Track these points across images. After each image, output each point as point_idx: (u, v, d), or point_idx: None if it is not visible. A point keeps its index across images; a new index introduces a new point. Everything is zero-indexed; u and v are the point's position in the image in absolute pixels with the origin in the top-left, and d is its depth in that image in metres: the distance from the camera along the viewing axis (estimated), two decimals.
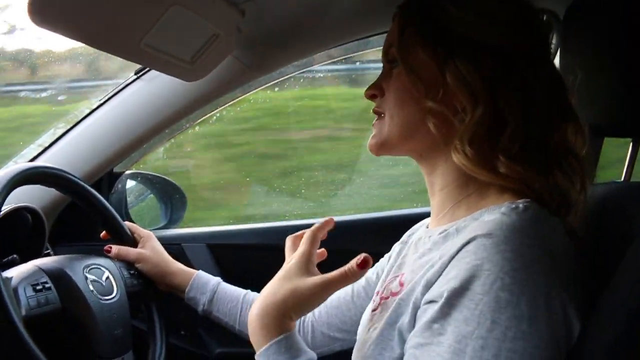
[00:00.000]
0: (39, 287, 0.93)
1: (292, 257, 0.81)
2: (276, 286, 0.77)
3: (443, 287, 0.66)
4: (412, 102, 0.79)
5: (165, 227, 1.60)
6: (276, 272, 0.81)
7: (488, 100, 0.73)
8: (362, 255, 0.72)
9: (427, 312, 0.67)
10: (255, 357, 0.75)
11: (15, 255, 1.09)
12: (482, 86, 0.73)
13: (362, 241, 1.46)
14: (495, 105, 0.74)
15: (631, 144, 1.00)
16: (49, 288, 0.96)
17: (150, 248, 1.22)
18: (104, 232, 1.22)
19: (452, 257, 0.68)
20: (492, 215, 0.71)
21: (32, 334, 0.85)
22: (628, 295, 0.62)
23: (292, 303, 0.75)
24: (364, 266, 0.72)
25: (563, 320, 0.64)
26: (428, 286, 0.69)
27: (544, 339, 0.63)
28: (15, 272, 0.95)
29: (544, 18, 0.82)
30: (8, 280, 0.91)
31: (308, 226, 0.85)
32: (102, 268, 1.09)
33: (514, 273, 0.63)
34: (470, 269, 0.65)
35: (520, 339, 0.62)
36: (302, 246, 0.81)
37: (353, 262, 0.73)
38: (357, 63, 2.26)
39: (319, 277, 0.76)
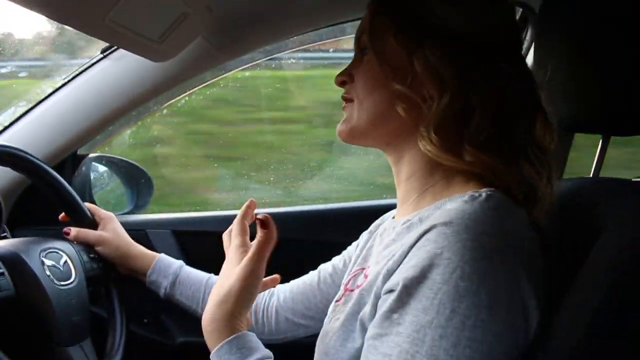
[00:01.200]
0: None
1: (228, 253, 0.85)
2: (220, 287, 0.80)
3: (402, 275, 0.66)
4: (381, 88, 0.79)
5: (131, 212, 1.57)
6: None
7: (455, 88, 0.73)
8: (259, 216, 0.79)
9: (386, 302, 0.67)
10: (210, 358, 0.77)
11: None
12: (450, 74, 0.73)
13: (332, 231, 1.46)
14: (463, 94, 0.74)
15: (601, 140, 1.00)
16: (2, 274, 0.92)
17: (111, 230, 1.19)
18: (62, 213, 1.18)
19: (412, 246, 0.67)
20: (454, 204, 0.71)
21: None
22: (592, 293, 0.63)
23: (234, 298, 0.78)
24: (264, 226, 0.78)
25: (522, 310, 0.64)
26: (388, 275, 0.69)
27: (503, 328, 0.63)
28: None
29: (519, 11, 0.82)
30: None
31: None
32: (60, 252, 1.05)
33: (473, 262, 0.62)
34: (429, 257, 0.64)
35: (479, 328, 0.61)
36: (234, 240, 0.85)
37: (259, 230, 0.79)
38: (331, 50, 2.24)
39: (245, 259, 0.80)
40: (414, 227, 0.75)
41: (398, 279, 0.66)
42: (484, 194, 0.71)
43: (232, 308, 0.78)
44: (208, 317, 0.79)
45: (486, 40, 0.75)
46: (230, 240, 0.88)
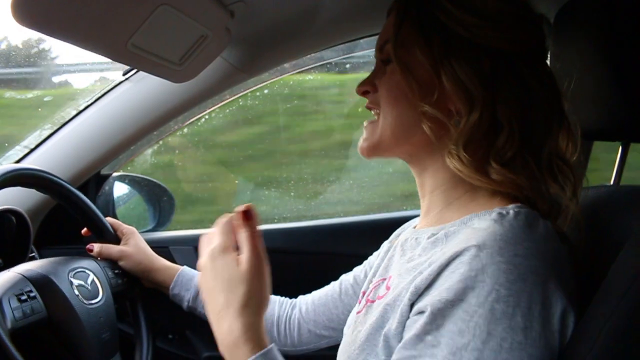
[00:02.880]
0: (23, 297, 0.92)
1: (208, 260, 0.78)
2: (226, 298, 0.74)
3: (435, 298, 0.65)
4: (406, 103, 0.77)
5: (153, 229, 1.59)
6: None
7: (485, 104, 0.72)
8: (241, 206, 0.77)
9: (418, 323, 0.66)
10: None
11: None
12: (480, 89, 0.72)
13: (353, 243, 1.46)
14: (492, 110, 0.73)
15: (620, 147, 1.00)
16: (34, 297, 0.94)
17: (133, 245, 1.21)
18: (85, 228, 1.20)
19: (444, 267, 0.67)
20: (482, 222, 0.71)
21: (19, 345, 0.84)
22: (616, 302, 0.62)
23: (253, 307, 0.73)
24: (247, 218, 0.76)
25: (559, 328, 0.64)
26: (417, 293, 0.68)
27: (539, 348, 0.62)
28: None
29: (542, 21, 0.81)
30: None
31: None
32: (87, 271, 1.07)
33: (509, 285, 0.62)
34: (464, 280, 0.64)
35: (515, 350, 0.61)
36: (217, 239, 0.78)
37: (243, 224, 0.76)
38: None
39: (246, 261, 0.74)
40: (440, 242, 0.74)
41: (430, 301, 0.65)
42: (511, 212, 0.70)
43: (251, 318, 0.72)
44: (225, 331, 0.72)
45: (512, 52, 0.74)
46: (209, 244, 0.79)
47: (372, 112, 0.84)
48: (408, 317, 0.69)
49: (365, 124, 0.85)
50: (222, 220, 0.79)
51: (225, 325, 0.72)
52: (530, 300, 0.63)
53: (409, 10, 0.79)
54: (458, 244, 0.68)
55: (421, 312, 0.66)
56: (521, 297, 0.62)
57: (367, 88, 0.84)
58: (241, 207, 0.77)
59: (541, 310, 0.63)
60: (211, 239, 0.79)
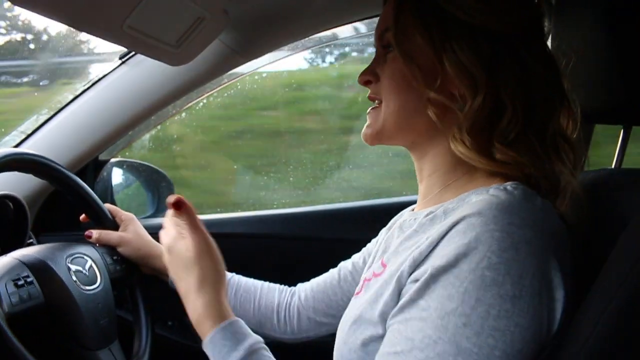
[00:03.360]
0: (20, 282, 0.91)
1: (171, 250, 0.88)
2: (184, 278, 0.86)
3: (430, 265, 0.66)
4: (409, 90, 0.77)
5: (152, 215, 1.58)
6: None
7: (487, 86, 0.72)
8: (171, 199, 0.87)
9: (413, 289, 0.67)
10: (203, 347, 0.82)
11: None
12: (482, 73, 0.72)
13: (351, 229, 1.46)
14: (495, 92, 0.73)
15: (622, 130, 0.99)
16: (31, 282, 0.93)
17: (132, 231, 1.20)
18: (83, 215, 1.19)
19: (442, 237, 0.68)
20: (480, 196, 0.71)
21: (15, 330, 0.83)
22: (617, 286, 0.62)
23: (208, 282, 0.84)
24: (177, 207, 0.86)
25: (548, 302, 0.65)
26: (414, 265, 0.69)
27: (527, 318, 0.63)
28: None
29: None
30: None
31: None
32: (85, 257, 1.07)
33: (500, 252, 0.63)
34: (457, 247, 0.65)
35: (503, 317, 0.62)
36: (169, 231, 0.90)
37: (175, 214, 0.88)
38: None
39: (188, 239, 0.86)
40: (438, 219, 0.75)
41: (426, 268, 0.67)
42: (509, 187, 0.71)
43: (209, 296, 0.83)
44: (191, 311, 0.83)
45: (511, 33, 0.74)
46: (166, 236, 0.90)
47: (375, 102, 0.84)
48: (404, 287, 0.70)
49: (368, 110, 0.85)
50: (170, 213, 0.90)
51: (190, 306, 0.83)
52: (521, 270, 0.63)
53: None
54: (455, 216, 0.68)
55: (416, 280, 0.68)
56: (512, 266, 0.63)
57: (369, 77, 0.84)
58: (170, 199, 0.87)
59: (532, 281, 0.63)
60: (167, 232, 0.89)
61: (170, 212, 0.90)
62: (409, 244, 0.76)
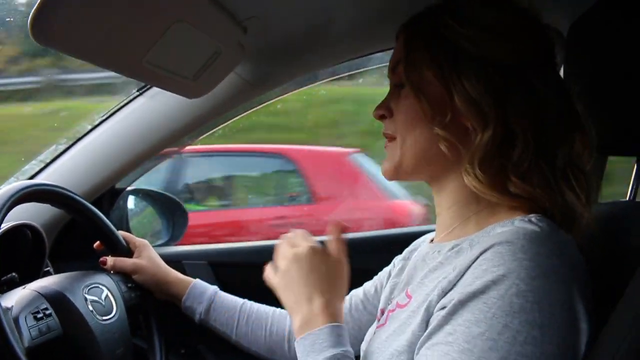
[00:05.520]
0: (39, 315, 0.92)
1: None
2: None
3: (457, 292, 0.67)
4: (422, 126, 0.78)
5: (166, 243, 1.59)
6: None
7: (498, 119, 0.73)
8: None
9: (440, 315, 0.67)
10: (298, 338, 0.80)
11: (14, 274, 1.08)
12: (491, 105, 0.73)
13: (362, 259, 1.45)
14: (505, 123, 0.73)
15: (635, 162, 0.99)
16: (50, 315, 0.94)
17: (147, 258, 1.21)
18: (97, 242, 1.21)
19: (469, 265, 0.68)
20: (505, 228, 0.72)
21: None
22: (635, 321, 0.62)
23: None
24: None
25: (573, 331, 0.65)
26: (442, 294, 0.69)
27: (553, 346, 0.63)
28: (14, 301, 0.93)
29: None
30: (8, 310, 0.90)
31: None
32: (101, 286, 1.08)
33: (530, 280, 0.63)
34: (486, 275, 0.65)
35: (530, 344, 0.62)
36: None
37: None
38: None
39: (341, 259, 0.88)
40: (464, 251, 0.75)
41: (453, 295, 0.67)
42: (533, 219, 0.71)
43: (341, 303, 0.84)
44: (304, 309, 0.81)
45: (522, 64, 0.75)
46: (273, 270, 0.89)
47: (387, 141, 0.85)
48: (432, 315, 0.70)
49: (385, 145, 0.86)
50: (298, 231, 0.90)
51: (305, 306, 0.81)
52: (550, 298, 0.63)
53: (416, 32, 0.80)
54: (482, 245, 0.69)
55: (444, 307, 0.68)
56: (541, 294, 0.63)
57: (383, 112, 0.85)
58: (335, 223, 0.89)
59: (560, 310, 0.64)
60: (292, 243, 0.88)
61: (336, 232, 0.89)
62: (435, 275, 0.76)
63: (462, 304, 0.66)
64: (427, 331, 0.69)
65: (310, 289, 0.81)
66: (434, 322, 0.68)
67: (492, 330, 0.63)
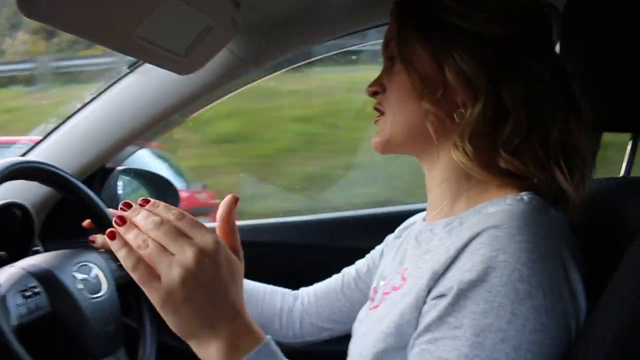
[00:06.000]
0: (28, 294, 0.91)
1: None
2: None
3: (457, 280, 0.65)
4: (413, 101, 0.78)
5: None
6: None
7: (488, 94, 0.73)
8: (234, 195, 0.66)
9: (440, 305, 0.66)
10: None
11: (3, 252, 1.07)
12: (482, 80, 0.73)
13: (355, 237, 1.46)
14: (497, 99, 0.73)
15: (631, 139, 0.99)
16: (38, 293, 0.94)
17: None
18: (87, 220, 1.20)
19: (462, 249, 0.67)
20: (496, 207, 0.71)
21: (23, 341, 0.84)
22: (630, 294, 0.61)
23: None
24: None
25: (575, 312, 0.65)
26: (434, 277, 0.68)
27: (560, 330, 0.63)
28: (2, 279, 0.92)
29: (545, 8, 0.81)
30: None
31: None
32: (91, 264, 1.07)
33: (530, 264, 0.63)
34: (485, 261, 0.64)
35: (539, 331, 0.62)
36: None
37: None
38: None
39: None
40: (455, 230, 0.74)
41: (452, 283, 0.65)
42: (525, 197, 0.71)
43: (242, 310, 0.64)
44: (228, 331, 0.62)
45: (515, 40, 0.75)
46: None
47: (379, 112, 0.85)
48: (424, 302, 0.69)
49: (375, 119, 0.85)
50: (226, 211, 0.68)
51: (239, 321, 0.63)
52: (552, 280, 0.63)
53: (409, 8, 0.80)
54: (474, 226, 0.68)
55: (442, 296, 0.66)
56: (543, 277, 0.63)
57: (376, 88, 0.85)
58: (233, 195, 0.68)
59: (562, 292, 0.64)
60: (180, 231, 0.62)
61: (227, 211, 0.68)
62: (428, 257, 0.75)
63: (463, 293, 0.64)
64: (425, 323, 0.66)
65: (228, 301, 0.62)
66: (432, 312, 0.66)
67: (500, 320, 0.62)
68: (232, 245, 0.66)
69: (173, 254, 0.60)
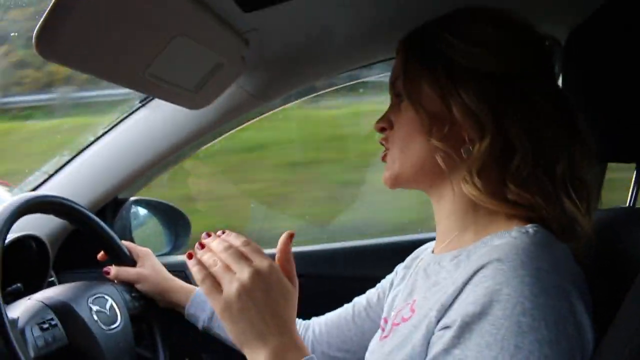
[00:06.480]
0: (45, 326, 0.93)
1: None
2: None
3: (461, 312, 0.66)
4: (420, 138, 0.80)
5: (169, 252, 1.60)
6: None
7: (495, 129, 0.74)
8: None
9: (445, 337, 0.66)
10: None
11: (19, 284, 1.09)
12: (489, 116, 0.74)
13: (365, 267, 1.46)
14: (503, 133, 0.74)
15: (635, 169, 0.99)
16: (55, 325, 0.95)
17: (150, 267, 1.22)
18: (101, 252, 1.22)
19: (467, 282, 0.68)
20: (502, 239, 0.72)
21: None
22: (638, 327, 0.62)
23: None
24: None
25: (581, 344, 0.65)
26: (442, 310, 0.69)
27: None
28: (20, 312, 0.94)
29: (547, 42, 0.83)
30: (14, 322, 0.91)
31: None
32: (106, 296, 1.09)
33: (533, 298, 0.63)
34: (488, 294, 0.64)
35: None
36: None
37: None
38: None
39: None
40: (462, 263, 0.75)
41: (456, 316, 0.66)
42: (530, 230, 0.72)
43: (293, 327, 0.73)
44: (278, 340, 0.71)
45: (515, 76, 0.76)
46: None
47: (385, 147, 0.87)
48: (433, 334, 0.69)
49: (382, 155, 0.87)
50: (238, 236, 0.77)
51: (287, 336, 0.72)
52: (555, 314, 0.63)
53: (413, 47, 0.82)
54: (479, 259, 0.69)
55: (447, 327, 0.67)
56: (546, 311, 0.63)
57: (384, 125, 0.87)
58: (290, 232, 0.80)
59: (566, 325, 0.64)
60: (241, 255, 0.73)
61: (285, 243, 0.79)
62: (436, 289, 0.76)
63: (467, 325, 0.65)
64: (432, 354, 0.67)
65: (278, 317, 0.71)
66: (438, 343, 0.67)
67: (504, 353, 0.62)
68: (287, 273, 0.76)
69: (234, 272, 0.71)
